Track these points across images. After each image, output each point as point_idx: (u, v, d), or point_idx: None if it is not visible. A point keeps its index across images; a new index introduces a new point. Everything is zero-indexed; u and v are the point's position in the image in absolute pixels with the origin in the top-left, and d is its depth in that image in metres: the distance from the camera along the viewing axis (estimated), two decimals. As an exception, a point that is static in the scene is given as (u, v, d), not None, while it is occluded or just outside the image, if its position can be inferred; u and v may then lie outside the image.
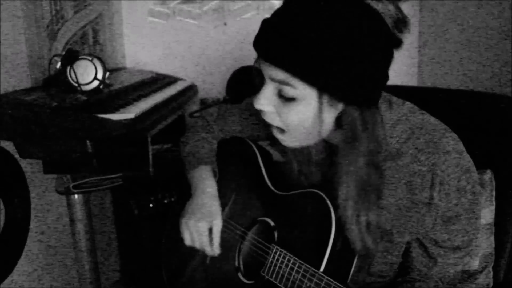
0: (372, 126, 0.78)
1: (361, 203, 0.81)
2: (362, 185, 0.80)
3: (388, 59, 0.76)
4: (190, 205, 1.00)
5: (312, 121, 0.77)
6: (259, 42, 0.76)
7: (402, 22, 0.74)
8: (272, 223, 0.95)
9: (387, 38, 0.74)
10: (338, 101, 0.75)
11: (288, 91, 0.75)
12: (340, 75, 0.71)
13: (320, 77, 0.72)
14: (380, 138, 0.80)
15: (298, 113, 0.77)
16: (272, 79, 0.76)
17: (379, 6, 0.71)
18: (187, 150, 1.10)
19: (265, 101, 0.79)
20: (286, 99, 0.76)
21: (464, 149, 0.82)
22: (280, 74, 0.74)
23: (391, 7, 0.72)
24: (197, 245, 0.97)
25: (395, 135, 0.83)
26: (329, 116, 0.77)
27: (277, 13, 0.75)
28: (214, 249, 0.97)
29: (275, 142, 1.01)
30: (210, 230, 0.97)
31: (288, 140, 0.84)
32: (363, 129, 0.77)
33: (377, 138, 0.79)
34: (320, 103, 0.74)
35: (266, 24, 0.76)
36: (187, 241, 0.98)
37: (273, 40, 0.73)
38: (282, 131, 0.82)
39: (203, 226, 0.96)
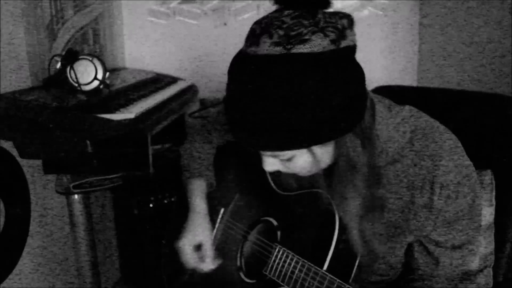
0: (368, 141, 0.79)
1: (366, 220, 0.82)
2: (366, 205, 0.81)
3: (357, 78, 0.73)
4: (185, 226, 1.05)
5: (315, 162, 0.79)
6: (235, 133, 0.77)
7: (347, 27, 0.71)
8: (275, 223, 0.95)
9: (345, 64, 0.70)
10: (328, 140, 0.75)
11: (283, 156, 0.78)
12: (318, 126, 0.70)
13: (301, 141, 0.72)
14: (378, 151, 0.81)
15: (301, 164, 0.79)
16: (265, 154, 0.80)
17: (317, 46, 0.67)
18: (183, 161, 1.13)
19: (271, 165, 0.82)
20: (286, 160, 0.79)
21: (463, 151, 0.82)
22: (268, 152, 0.78)
23: (323, 40, 0.68)
24: (189, 265, 1.03)
25: (396, 139, 0.83)
26: (327, 151, 0.78)
27: (238, 105, 0.73)
28: (206, 265, 1.01)
29: None
30: (199, 247, 1.02)
31: (301, 173, 0.85)
32: (361, 147, 0.78)
33: (375, 151, 0.80)
34: (312, 153, 0.76)
35: (234, 115, 0.74)
36: (186, 264, 1.03)
37: (248, 132, 0.73)
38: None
39: (189, 247, 1.02)
